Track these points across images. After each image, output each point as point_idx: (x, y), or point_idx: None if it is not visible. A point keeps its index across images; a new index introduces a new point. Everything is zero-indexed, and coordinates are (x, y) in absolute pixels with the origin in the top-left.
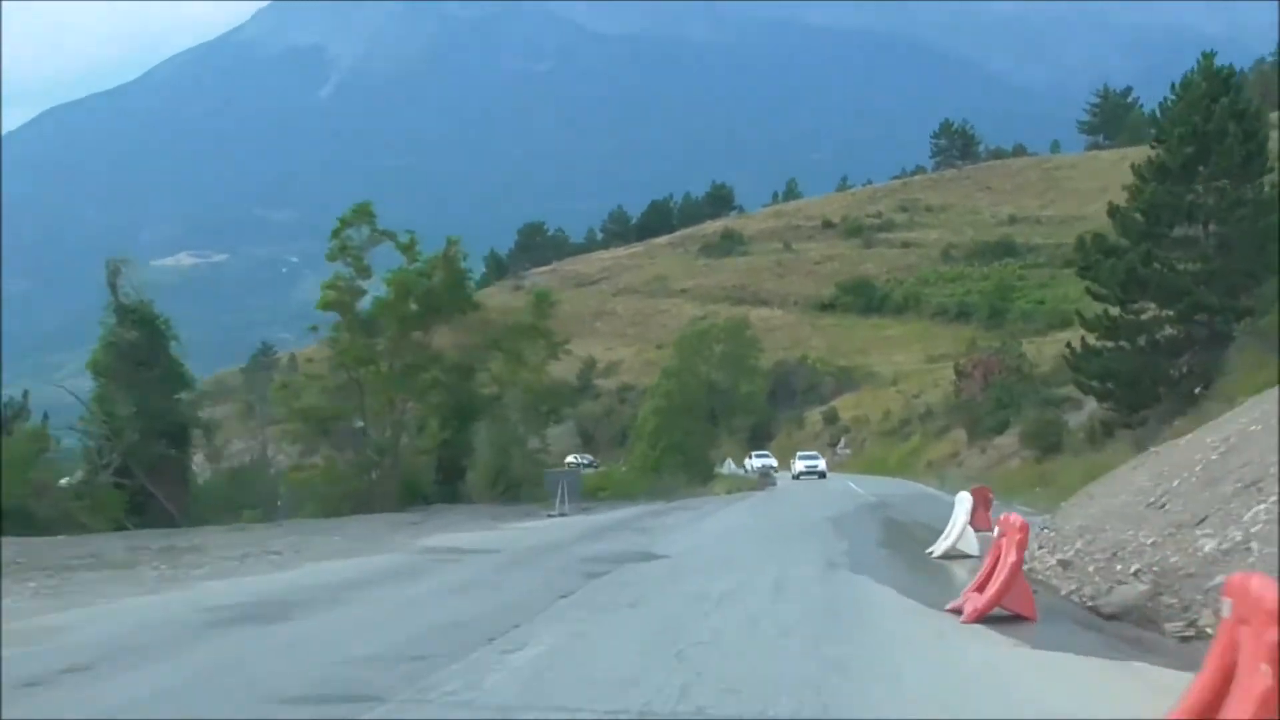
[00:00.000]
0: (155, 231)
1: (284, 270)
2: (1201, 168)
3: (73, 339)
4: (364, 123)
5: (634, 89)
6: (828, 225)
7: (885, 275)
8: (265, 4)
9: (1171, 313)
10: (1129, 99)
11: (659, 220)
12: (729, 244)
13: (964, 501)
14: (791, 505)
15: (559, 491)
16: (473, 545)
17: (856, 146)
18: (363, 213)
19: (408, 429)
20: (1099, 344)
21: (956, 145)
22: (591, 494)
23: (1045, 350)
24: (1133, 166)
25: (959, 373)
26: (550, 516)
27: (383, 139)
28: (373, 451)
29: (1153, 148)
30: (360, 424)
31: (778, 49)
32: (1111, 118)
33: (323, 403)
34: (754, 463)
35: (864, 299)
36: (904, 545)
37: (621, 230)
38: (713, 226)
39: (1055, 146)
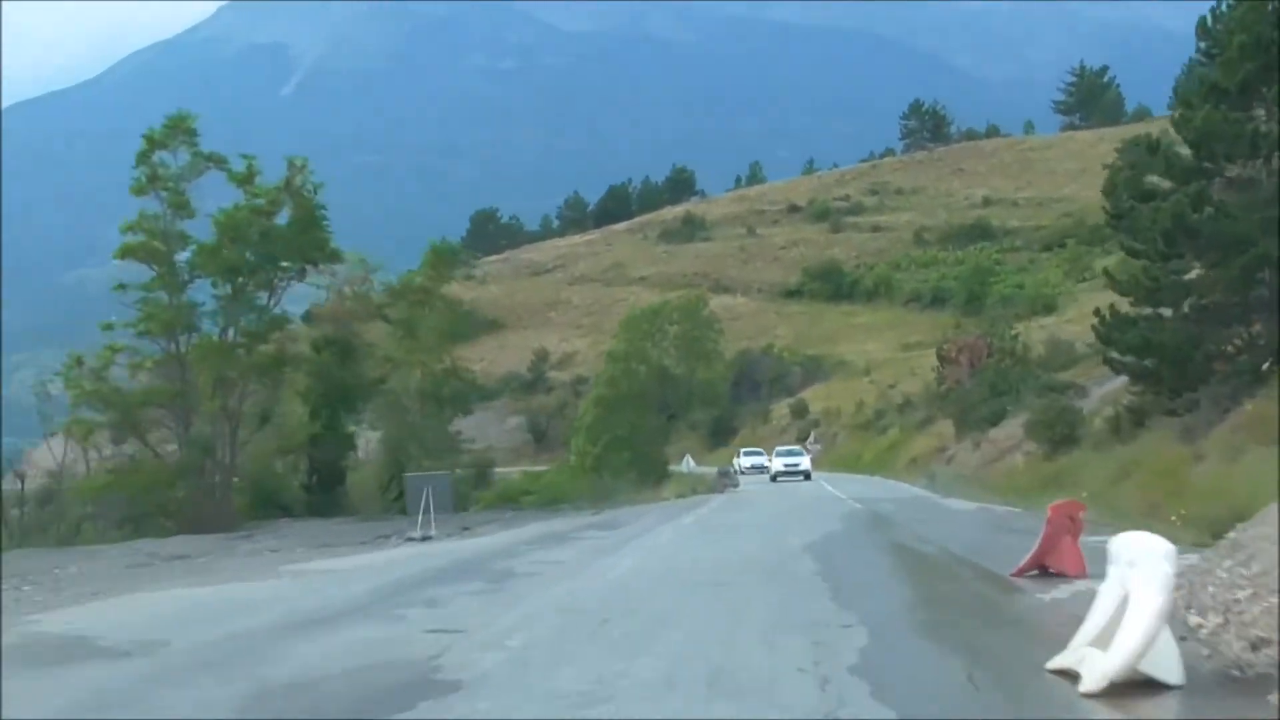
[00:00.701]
0: (117, 230)
1: None
2: (1266, 89)
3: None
4: (327, 121)
5: (599, 86)
6: (793, 209)
7: (854, 260)
8: (226, 1)
9: (1228, 270)
10: (1105, 78)
11: (618, 207)
12: (690, 229)
13: (1142, 565)
14: (754, 520)
15: (422, 503)
16: (127, 624)
17: (823, 136)
18: (179, 129)
19: (249, 420)
20: (1135, 312)
21: (927, 127)
22: (514, 499)
23: (1030, 336)
24: (1176, 92)
25: (942, 358)
26: (411, 540)
27: (346, 137)
28: (196, 449)
29: (1203, 63)
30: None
31: (742, 45)
32: (1088, 97)
33: (134, 387)
34: (743, 461)
35: (832, 285)
36: (962, 613)
37: (579, 218)
38: (673, 212)
39: (1029, 128)
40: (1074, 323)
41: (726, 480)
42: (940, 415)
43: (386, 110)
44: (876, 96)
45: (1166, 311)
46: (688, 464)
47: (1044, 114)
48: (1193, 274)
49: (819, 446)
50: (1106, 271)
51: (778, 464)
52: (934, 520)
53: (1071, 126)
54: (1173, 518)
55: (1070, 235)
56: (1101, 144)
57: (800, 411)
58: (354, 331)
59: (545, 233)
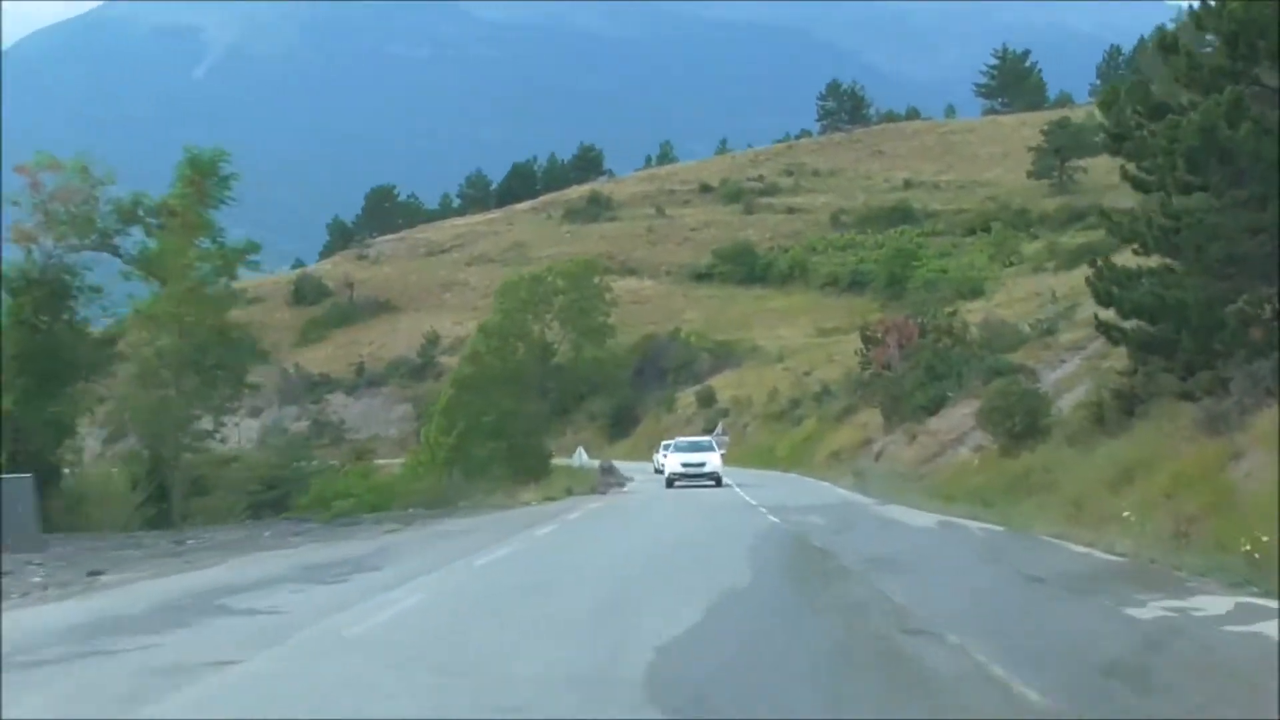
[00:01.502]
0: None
1: None
2: None
3: None
4: (238, 106)
5: (519, 77)
6: (705, 189)
7: (768, 243)
8: None
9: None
10: (1027, 63)
11: (522, 186)
12: (596, 209)
13: None
14: (605, 558)
15: None
16: None
17: (739, 122)
18: None
19: None
20: (1141, 264)
21: (845, 108)
22: (325, 504)
23: (964, 318)
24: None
25: (867, 339)
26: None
27: (258, 123)
28: None
29: None
30: None
31: (667, 40)
32: (1010, 81)
33: None
34: (663, 458)
35: (745, 268)
36: None
37: (481, 196)
38: (579, 191)
39: (950, 111)
40: (1004, 307)
41: (610, 479)
42: (864, 404)
43: (300, 97)
44: (796, 91)
45: (1185, 262)
46: (580, 458)
47: (966, 99)
48: (1219, 210)
49: (727, 439)
50: (1103, 212)
51: (674, 464)
52: (896, 549)
53: (994, 111)
54: (1245, 546)
55: (995, 219)
56: (1024, 128)
57: (707, 400)
58: (68, 269)
59: (445, 212)
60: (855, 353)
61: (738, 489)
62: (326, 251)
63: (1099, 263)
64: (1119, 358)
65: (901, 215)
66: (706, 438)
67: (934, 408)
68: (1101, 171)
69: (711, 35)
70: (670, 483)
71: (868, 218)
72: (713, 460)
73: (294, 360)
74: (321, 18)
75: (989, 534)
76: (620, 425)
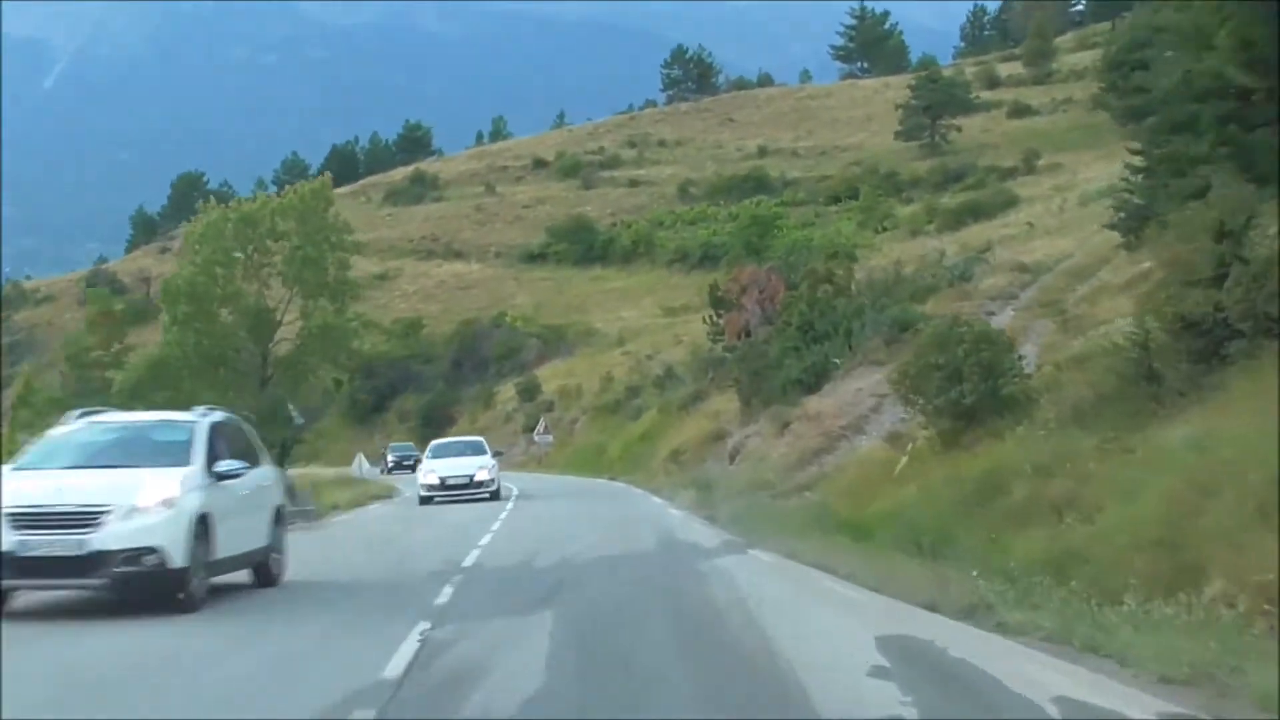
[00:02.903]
0: None
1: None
2: None
3: None
4: (87, 116)
5: (361, 78)
6: (539, 164)
7: (609, 219)
8: None
9: None
10: (887, 25)
11: (343, 170)
12: (420, 189)
13: None
14: None
15: None
16: None
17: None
18: None
19: None
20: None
21: (692, 76)
22: None
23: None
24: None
25: (719, 301)
26: None
27: (107, 132)
28: None
29: None
30: None
31: (506, 38)
32: (869, 42)
33: None
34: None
35: (582, 245)
36: None
37: (296, 182)
38: (403, 173)
39: (806, 76)
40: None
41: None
42: (717, 387)
43: (145, 104)
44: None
45: None
46: (360, 467)
47: (822, 66)
48: None
49: (550, 438)
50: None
51: (431, 473)
52: None
53: (853, 75)
54: None
55: (859, 184)
56: (888, 91)
57: (530, 392)
58: None
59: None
60: (704, 320)
61: (528, 512)
62: (130, 246)
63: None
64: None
65: (756, 184)
66: (478, 438)
67: (813, 382)
68: (976, 130)
69: (549, 34)
70: (427, 498)
71: (719, 188)
72: (480, 466)
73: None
74: (165, 21)
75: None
76: (433, 425)
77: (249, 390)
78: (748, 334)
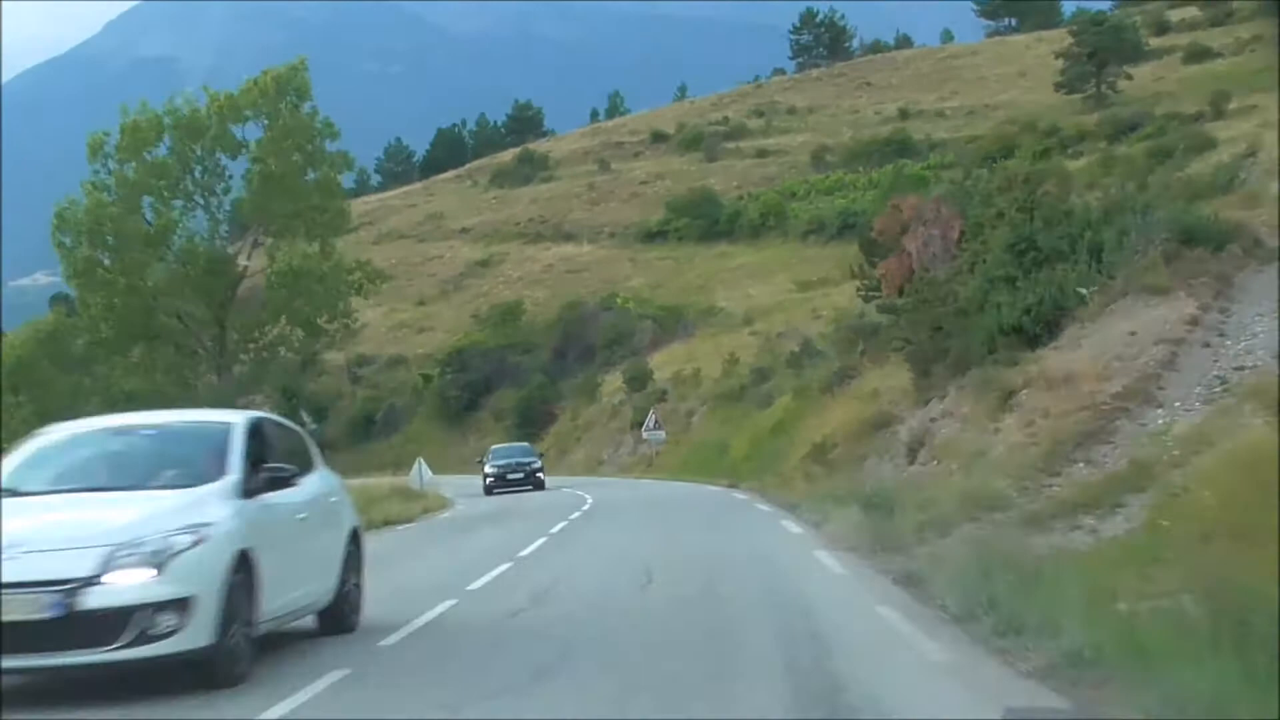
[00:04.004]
0: (14, 251)
1: None
2: None
3: None
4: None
5: (486, 86)
6: (658, 138)
7: (734, 191)
8: (114, 16)
9: None
10: None
11: (449, 156)
12: (528, 169)
13: None
14: None
15: None
16: None
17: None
18: None
19: None
20: None
21: (823, 41)
22: None
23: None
24: None
25: (871, 247)
26: None
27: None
28: None
29: None
30: None
31: (626, 38)
32: None
33: None
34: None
35: (705, 220)
36: None
37: (404, 170)
38: (511, 154)
39: (948, 36)
40: None
41: None
42: (871, 360)
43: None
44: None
45: None
46: (420, 477)
47: (964, 25)
48: None
49: (662, 434)
50: None
51: None
52: None
53: (999, 33)
54: None
55: (1014, 144)
56: (1040, 45)
57: (640, 380)
58: None
59: (361, 189)
60: (852, 273)
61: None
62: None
63: None
64: None
65: (899, 148)
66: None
67: (1041, 329)
68: (1147, 78)
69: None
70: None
71: (857, 154)
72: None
73: None
74: (292, 37)
75: None
76: (531, 425)
77: (199, 374)
78: (918, 279)
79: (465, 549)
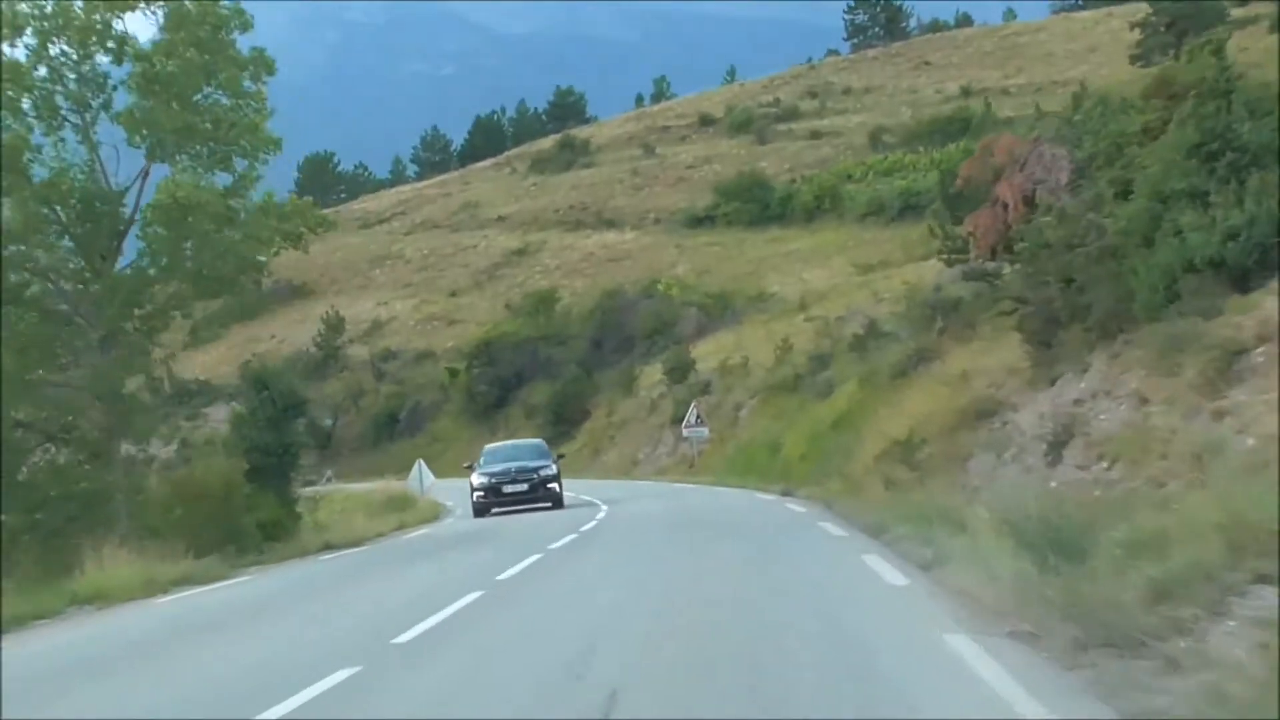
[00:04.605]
0: None
1: None
2: None
3: None
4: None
5: (535, 86)
6: (706, 122)
7: (786, 174)
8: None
9: None
10: None
11: (488, 144)
12: (568, 155)
13: None
14: None
15: None
16: None
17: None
18: None
19: None
20: None
21: (879, 21)
22: None
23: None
24: None
25: (955, 200)
26: None
27: (286, 147)
28: None
29: None
30: None
31: (684, 39)
32: None
33: None
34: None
35: (756, 205)
36: None
37: (442, 161)
38: (552, 140)
39: (1010, 14)
40: None
41: None
42: (954, 338)
43: (324, 124)
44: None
45: None
46: (421, 479)
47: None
48: None
49: (705, 431)
50: None
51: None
52: None
53: (1064, 10)
54: None
55: (1090, 116)
56: (1110, 21)
57: (681, 371)
58: None
59: (395, 179)
60: (931, 232)
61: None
62: None
63: None
64: None
65: (963, 126)
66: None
67: (1254, 262)
68: (1231, 49)
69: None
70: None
71: (917, 134)
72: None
73: (179, 366)
74: (344, 40)
75: None
76: (563, 422)
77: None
78: (1008, 247)
79: (345, 612)
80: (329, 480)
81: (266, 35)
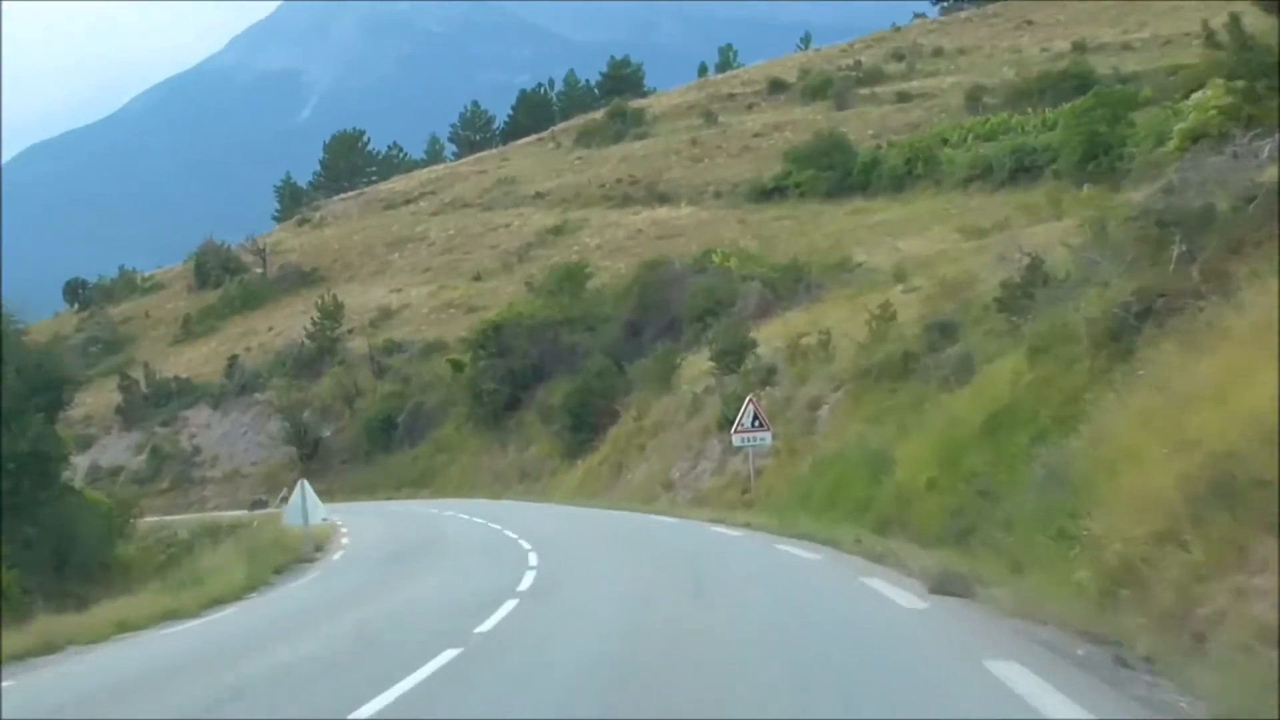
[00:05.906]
0: (135, 264)
1: None
2: None
3: None
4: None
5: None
6: (777, 87)
7: (870, 140)
8: (239, 31)
9: None
10: None
11: (533, 120)
12: (619, 126)
13: None
14: None
15: None
16: None
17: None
18: None
19: None
20: None
21: None
22: None
23: None
24: None
25: None
26: None
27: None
28: None
29: None
30: None
31: (753, 46)
32: None
33: None
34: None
35: (836, 172)
36: None
37: (484, 139)
38: (603, 112)
39: None
40: None
41: None
42: (1226, 265)
43: (398, 133)
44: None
45: None
46: (304, 507)
47: None
48: None
49: (767, 436)
50: None
51: None
52: None
53: None
54: None
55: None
56: None
57: (734, 356)
58: None
59: (430, 159)
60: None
61: None
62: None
63: None
64: None
65: (1079, 84)
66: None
67: None
68: None
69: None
70: None
71: (1023, 92)
72: None
73: (160, 365)
74: (418, 51)
75: None
76: (584, 429)
77: None
78: None
79: None
80: (261, 505)
81: (335, 45)
